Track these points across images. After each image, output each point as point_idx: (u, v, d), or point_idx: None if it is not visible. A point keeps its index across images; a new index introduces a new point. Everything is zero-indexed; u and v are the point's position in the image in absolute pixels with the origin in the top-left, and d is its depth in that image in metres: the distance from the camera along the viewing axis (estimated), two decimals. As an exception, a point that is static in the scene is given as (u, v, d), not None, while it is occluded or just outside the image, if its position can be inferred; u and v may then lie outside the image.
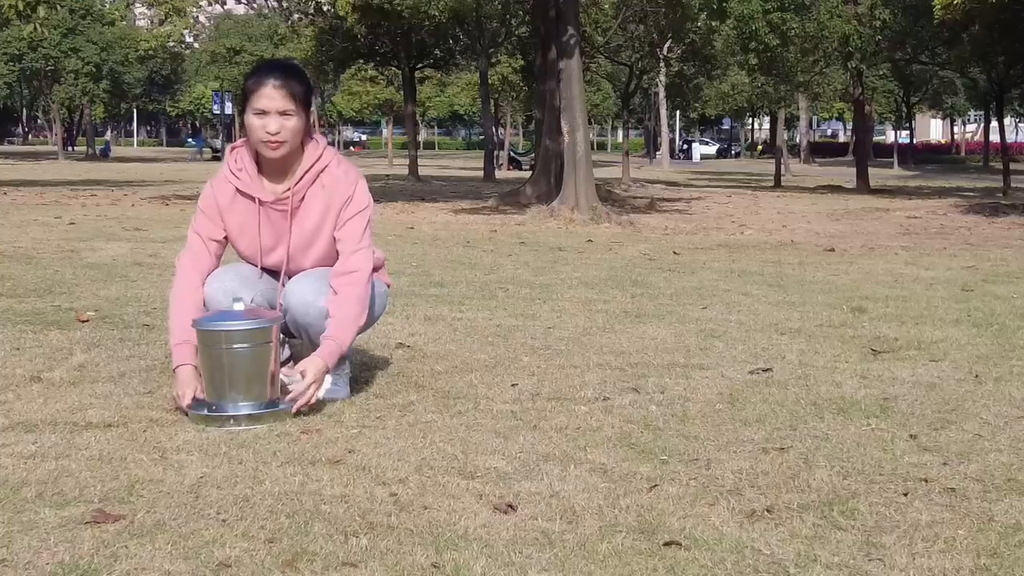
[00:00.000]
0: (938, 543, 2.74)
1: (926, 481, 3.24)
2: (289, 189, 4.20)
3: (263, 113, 4.08)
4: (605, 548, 2.68)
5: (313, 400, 3.97)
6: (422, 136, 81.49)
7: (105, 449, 3.48)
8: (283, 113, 4.07)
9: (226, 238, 4.31)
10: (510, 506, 2.97)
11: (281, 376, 4.02)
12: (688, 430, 3.81)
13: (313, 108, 4.29)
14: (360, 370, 4.67)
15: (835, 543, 2.74)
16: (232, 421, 3.81)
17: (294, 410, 3.92)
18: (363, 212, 4.23)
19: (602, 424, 3.87)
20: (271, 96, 4.07)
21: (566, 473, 3.28)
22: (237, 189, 4.23)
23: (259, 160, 4.23)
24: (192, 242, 4.30)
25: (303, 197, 4.21)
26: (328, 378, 4.16)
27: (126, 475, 3.22)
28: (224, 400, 3.88)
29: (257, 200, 4.21)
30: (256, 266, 4.30)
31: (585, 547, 2.69)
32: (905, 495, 3.11)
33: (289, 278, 4.29)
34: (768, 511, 2.96)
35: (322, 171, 4.21)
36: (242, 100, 4.19)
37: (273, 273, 4.34)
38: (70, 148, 58.93)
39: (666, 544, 2.71)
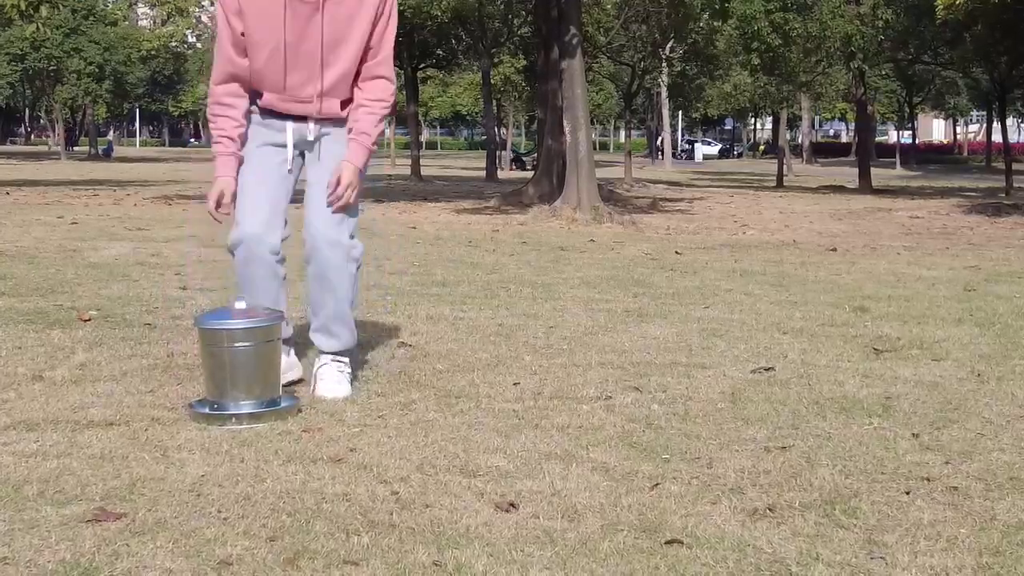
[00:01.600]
0: (940, 542, 2.73)
1: (928, 480, 3.24)
2: None
3: None
4: (607, 546, 2.68)
5: (351, 200, 4.03)
6: (424, 136, 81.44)
7: (107, 447, 3.48)
8: None
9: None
10: (512, 504, 2.97)
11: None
12: (690, 429, 3.80)
13: None
14: (362, 368, 4.67)
15: (837, 542, 2.74)
16: (234, 420, 3.81)
17: (333, 208, 3.98)
18: (393, 19, 4.12)
19: (604, 423, 3.87)
20: None
21: (568, 472, 3.28)
22: None
23: None
24: (217, 61, 4.14)
25: None
26: (337, 377, 4.20)
27: (127, 473, 3.22)
28: (226, 399, 3.88)
29: None
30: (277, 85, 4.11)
31: (587, 545, 2.69)
32: (907, 494, 3.11)
33: (298, 73, 4.08)
34: (770, 510, 2.96)
35: None
36: None
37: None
38: (71, 148, 58.90)
39: (668, 542, 2.71)
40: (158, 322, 5.88)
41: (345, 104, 4.19)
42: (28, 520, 2.81)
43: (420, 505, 2.97)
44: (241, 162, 4.14)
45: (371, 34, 4.09)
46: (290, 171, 4.23)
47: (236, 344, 3.88)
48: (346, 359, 4.35)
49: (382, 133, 4.20)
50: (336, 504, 2.96)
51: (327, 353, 4.32)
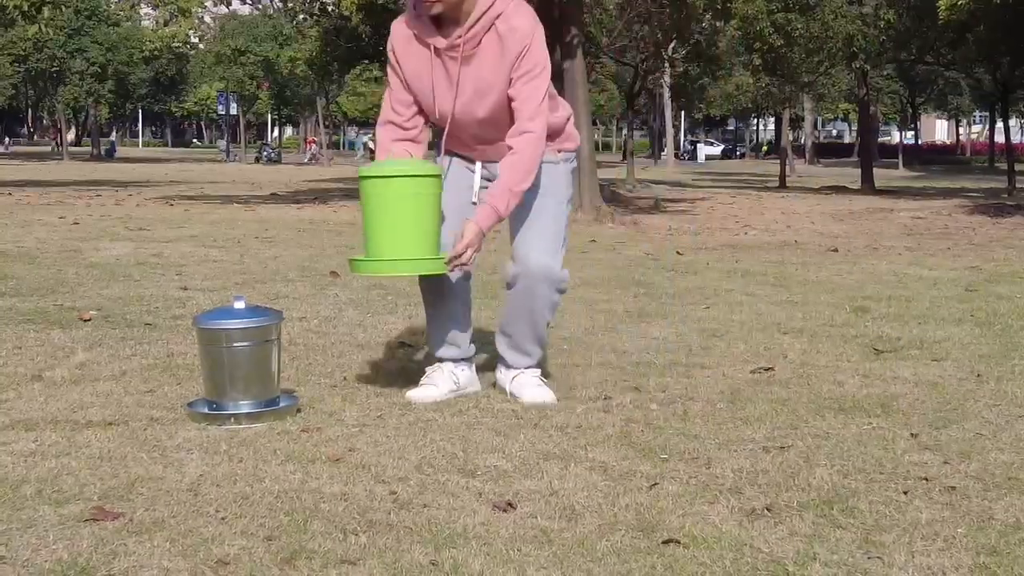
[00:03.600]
0: (938, 541, 2.73)
1: (926, 480, 3.24)
2: (460, 37, 4.04)
3: None
4: (604, 546, 2.68)
5: (468, 260, 3.98)
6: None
7: (105, 447, 3.48)
8: None
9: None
10: (509, 504, 2.97)
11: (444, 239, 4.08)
12: (689, 429, 3.80)
13: None
14: (361, 368, 4.67)
15: (834, 541, 2.74)
16: (232, 420, 3.81)
17: (449, 267, 3.97)
18: (541, 74, 4.08)
19: (603, 423, 3.87)
20: None
21: (566, 471, 3.28)
22: (414, 35, 4.12)
23: None
24: (384, 104, 4.28)
25: (478, 44, 4.04)
26: (537, 382, 4.26)
27: (126, 473, 3.22)
28: (224, 399, 3.88)
29: (432, 47, 4.08)
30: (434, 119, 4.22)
31: (584, 545, 2.69)
32: (905, 494, 3.11)
33: (457, 127, 4.17)
34: (768, 509, 2.96)
35: (497, 17, 4.04)
36: None
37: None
38: (61, 147, 58.93)
39: (665, 542, 2.71)
40: (158, 322, 5.89)
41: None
42: (26, 519, 2.82)
43: (418, 505, 2.97)
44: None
45: (511, 86, 4.10)
46: (474, 203, 4.25)
47: (234, 344, 3.88)
48: (538, 370, 4.36)
49: (521, 194, 4.12)
50: (334, 504, 2.97)
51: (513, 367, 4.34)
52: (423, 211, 3.94)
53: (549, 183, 4.23)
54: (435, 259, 3.96)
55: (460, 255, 3.95)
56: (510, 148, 4.05)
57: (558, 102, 4.31)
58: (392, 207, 3.92)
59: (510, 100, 4.08)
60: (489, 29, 4.04)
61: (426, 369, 4.40)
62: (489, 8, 4.03)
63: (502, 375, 4.35)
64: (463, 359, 4.36)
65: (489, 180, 4.24)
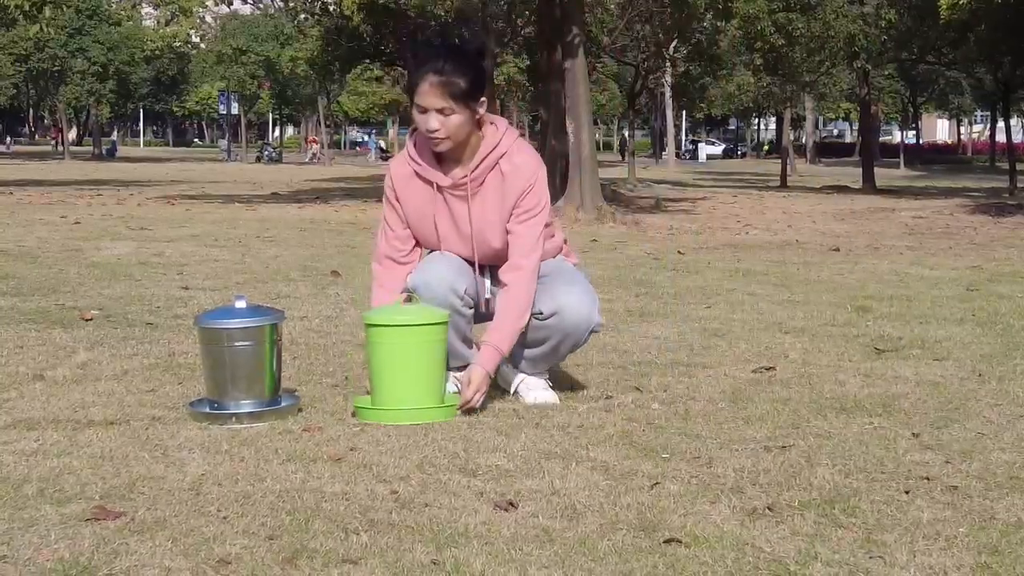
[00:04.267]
0: (939, 541, 2.73)
1: (928, 479, 3.24)
2: (465, 176, 4.08)
3: (424, 110, 3.99)
4: (605, 545, 2.68)
5: (476, 405, 3.97)
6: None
7: (107, 447, 3.48)
8: (441, 111, 3.96)
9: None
10: (511, 503, 2.97)
11: (451, 381, 4.15)
12: (690, 428, 3.80)
13: (483, 99, 4.07)
14: (362, 368, 4.67)
15: (836, 541, 2.73)
16: (234, 419, 3.81)
17: (458, 411, 3.95)
18: (539, 215, 4.12)
19: (604, 422, 3.87)
20: (428, 93, 3.95)
21: (567, 471, 3.28)
22: (415, 172, 4.14)
23: None
24: (378, 241, 4.28)
25: (482, 183, 4.09)
26: (544, 385, 4.26)
27: (127, 472, 3.22)
28: (226, 398, 3.88)
29: (435, 185, 4.11)
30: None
31: (585, 544, 2.69)
32: (907, 493, 3.10)
33: (481, 264, 4.20)
34: (769, 509, 2.96)
35: (501, 157, 4.08)
36: (408, 90, 4.15)
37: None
38: (62, 147, 58.93)
39: (666, 541, 2.70)
40: (160, 322, 5.89)
41: None
42: (27, 519, 2.82)
43: (419, 504, 2.97)
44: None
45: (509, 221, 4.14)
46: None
47: (236, 343, 3.88)
48: (547, 374, 4.36)
49: (520, 331, 4.14)
50: (335, 503, 2.96)
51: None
52: (431, 359, 3.93)
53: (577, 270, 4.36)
54: (443, 408, 3.94)
55: (470, 400, 3.96)
56: (504, 284, 4.10)
57: (553, 228, 4.36)
58: (400, 355, 3.90)
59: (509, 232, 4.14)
60: (493, 168, 4.09)
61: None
62: (496, 147, 4.08)
63: (508, 371, 4.33)
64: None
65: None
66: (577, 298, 4.16)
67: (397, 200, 4.20)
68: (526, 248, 4.09)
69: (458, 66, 3.98)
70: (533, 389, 4.23)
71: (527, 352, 4.26)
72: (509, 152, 4.10)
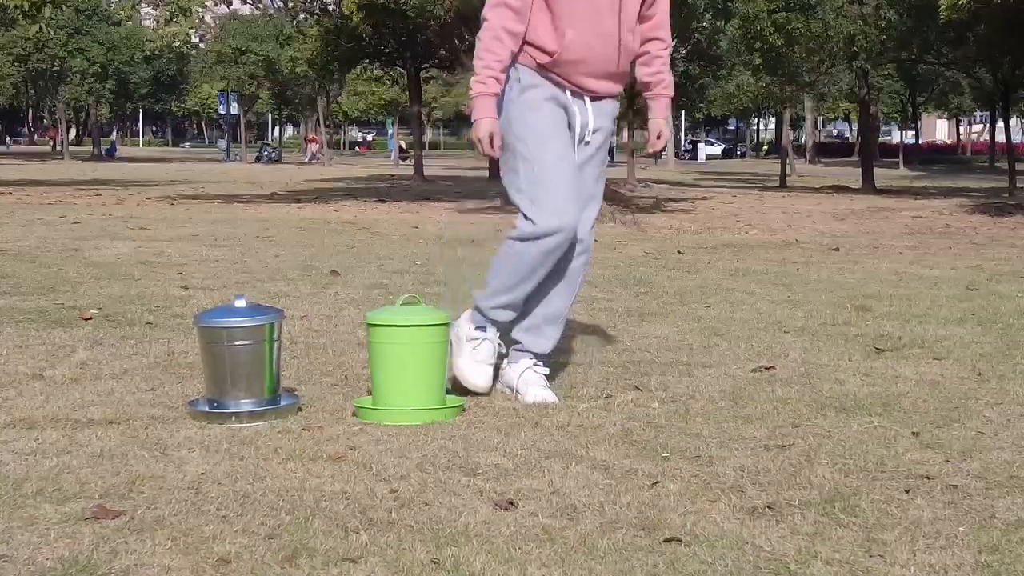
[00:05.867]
0: (939, 540, 2.73)
1: (928, 478, 3.24)
2: None
3: None
4: (605, 544, 2.68)
5: (662, 148, 4.07)
6: (428, 137, 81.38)
7: (106, 446, 3.48)
8: None
9: None
10: (511, 502, 2.97)
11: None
12: (690, 427, 3.80)
13: None
14: (362, 367, 4.66)
15: (836, 539, 2.73)
16: (234, 418, 3.81)
17: (649, 150, 4.19)
18: None
19: (604, 422, 3.86)
20: None
21: (567, 470, 3.28)
22: None
23: None
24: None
25: None
26: (544, 382, 4.25)
27: (127, 471, 3.22)
28: (225, 397, 3.88)
29: None
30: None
31: (585, 543, 2.69)
32: (907, 492, 3.10)
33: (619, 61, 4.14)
34: (769, 508, 2.96)
35: None
36: None
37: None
38: (60, 147, 58.93)
39: (667, 540, 2.70)
40: (159, 321, 5.89)
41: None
42: (27, 517, 2.82)
43: (419, 503, 2.97)
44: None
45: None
46: (586, 141, 4.24)
47: (235, 342, 3.88)
48: (546, 369, 4.33)
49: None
50: (335, 502, 2.96)
51: (525, 354, 4.28)
52: (432, 359, 3.93)
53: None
54: (445, 408, 3.93)
55: (659, 148, 4.10)
56: (647, 53, 4.20)
57: None
58: (401, 355, 3.90)
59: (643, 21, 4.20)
60: None
61: (471, 332, 4.25)
62: None
63: (510, 370, 4.30)
64: (506, 330, 4.32)
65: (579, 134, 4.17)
66: (591, 231, 4.28)
67: None
68: (663, 27, 4.24)
69: None
70: (532, 385, 4.21)
71: (526, 320, 4.27)
72: None
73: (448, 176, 38.23)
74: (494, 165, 37.05)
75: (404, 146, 61.05)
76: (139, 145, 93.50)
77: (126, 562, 2.54)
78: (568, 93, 4.13)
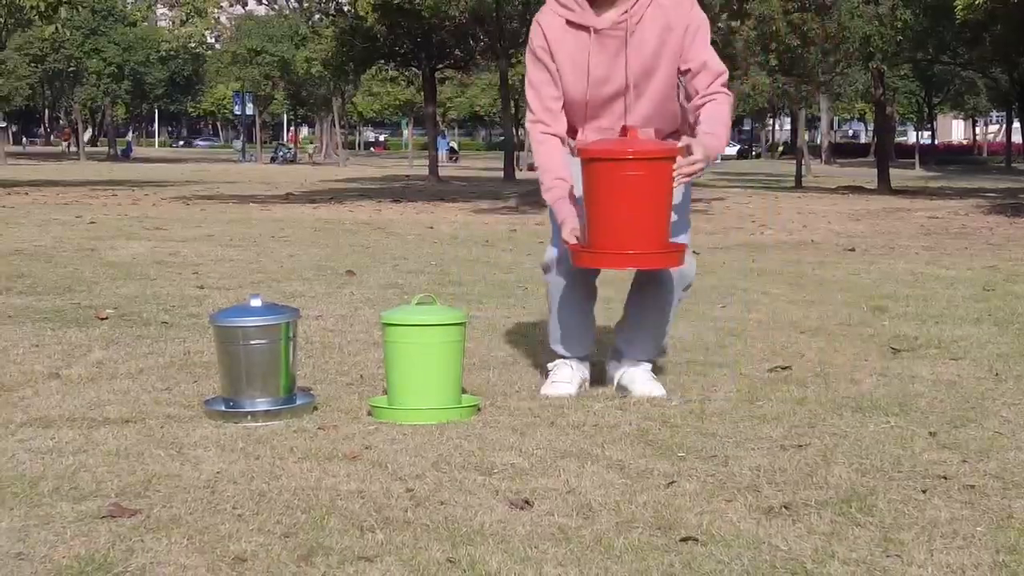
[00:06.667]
0: (956, 540, 2.72)
1: (945, 478, 3.23)
2: (625, 12, 4.02)
3: None
4: (621, 543, 2.68)
5: (696, 173, 4.03)
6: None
7: (122, 444, 3.49)
8: None
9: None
10: (526, 502, 2.97)
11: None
12: (706, 427, 3.79)
13: None
14: (377, 366, 4.66)
15: (852, 539, 2.72)
16: (249, 417, 3.81)
17: (677, 181, 4.01)
18: (707, 33, 4.12)
19: (619, 421, 3.86)
20: None
21: (583, 469, 3.27)
22: (567, 20, 4.07)
23: None
24: (531, 101, 4.20)
25: (639, 20, 4.02)
26: (648, 376, 4.30)
27: (143, 470, 3.22)
28: (241, 397, 3.89)
29: (591, 29, 4.03)
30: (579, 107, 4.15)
31: (601, 542, 2.68)
32: (924, 492, 3.09)
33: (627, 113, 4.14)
34: (786, 507, 2.95)
35: None
36: None
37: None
38: (75, 148, 59.08)
39: (683, 540, 2.70)
40: (175, 320, 5.90)
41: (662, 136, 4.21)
42: (43, 516, 2.82)
43: (435, 502, 2.97)
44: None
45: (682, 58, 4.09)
46: None
47: (251, 341, 3.88)
48: (648, 364, 4.39)
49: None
50: (351, 501, 2.96)
51: (627, 359, 4.39)
52: (448, 358, 3.93)
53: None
54: (461, 408, 3.93)
55: (689, 173, 4.03)
56: (701, 105, 4.07)
57: None
58: (417, 355, 3.90)
59: (685, 73, 4.08)
60: (651, 4, 4.04)
61: (549, 365, 4.44)
62: None
63: (612, 367, 4.42)
64: (587, 357, 4.43)
65: None
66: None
67: (550, 53, 4.11)
68: (713, 72, 4.08)
69: None
70: (638, 380, 4.28)
71: (628, 334, 4.37)
72: None
73: (462, 176, 38.27)
74: (508, 167, 37.11)
75: (455, 147, 61.06)
76: (155, 146, 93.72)
77: (142, 560, 2.55)
78: None
